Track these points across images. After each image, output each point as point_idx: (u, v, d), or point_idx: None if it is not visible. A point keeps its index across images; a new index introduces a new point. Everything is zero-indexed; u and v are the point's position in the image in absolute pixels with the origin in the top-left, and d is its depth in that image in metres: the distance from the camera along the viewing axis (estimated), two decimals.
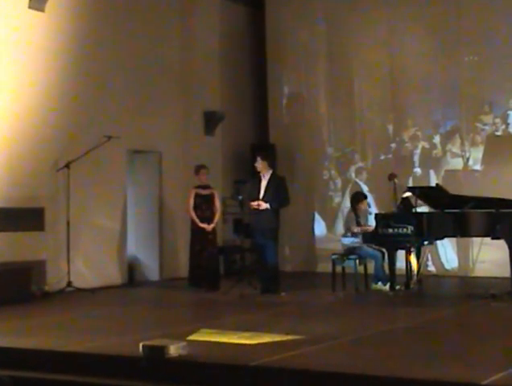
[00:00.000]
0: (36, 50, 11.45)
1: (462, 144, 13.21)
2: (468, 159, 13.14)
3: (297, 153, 14.74)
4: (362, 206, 11.37)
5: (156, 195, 13.32)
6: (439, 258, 13.15)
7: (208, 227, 11.45)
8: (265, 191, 10.82)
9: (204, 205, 11.55)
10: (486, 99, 13.04)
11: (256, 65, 15.36)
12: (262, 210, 10.70)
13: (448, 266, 13.15)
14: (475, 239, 12.13)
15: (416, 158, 13.61)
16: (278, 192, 10.80)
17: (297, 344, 6.79)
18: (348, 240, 11.14)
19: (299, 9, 14.82)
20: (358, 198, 11.53)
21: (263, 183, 10.87)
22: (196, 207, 11.50)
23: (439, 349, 6.61)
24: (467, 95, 13.16)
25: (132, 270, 12.98)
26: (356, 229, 11.06)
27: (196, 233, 11.50)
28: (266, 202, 10.72)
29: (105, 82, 12.34)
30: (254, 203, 10.75)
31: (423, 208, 11.13)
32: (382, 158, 13.96)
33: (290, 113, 15.05)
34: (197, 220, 11.42)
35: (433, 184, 12.20)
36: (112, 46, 12.50)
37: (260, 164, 10.92)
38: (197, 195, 11.56)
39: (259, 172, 10.96)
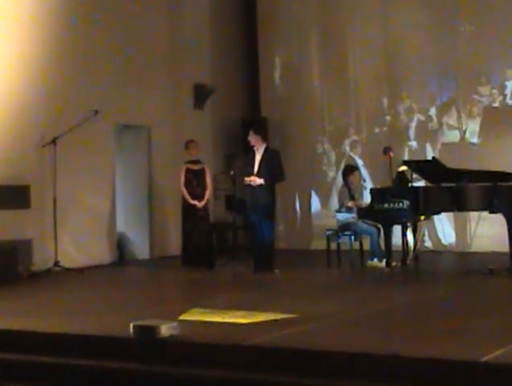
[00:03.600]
0: (21, 22, 11.27)
1: (459, 116, 13.07)
2: (464, 132, 13.02)
3: (289, 127, 14.53)
4: (354, 178, 11.26)
5: (145, 170, 13.16)
6: (436, 233, 13.06)
7: (199, 204, 11.33)
8: (259, 166, 10.62)
9: (194, 181, 11.43)
10: (483, 70, 12.90)
11: (247, 37, 15.15)
12: (257, 186, 10.49)
13: (445, 241, 13.06)
14: (472, 213, 12.04)
15: (412, 131, 13.48)
16: (273, 167, 10.59)
17: (291, 323, 6.68)
18: (343, 216, 11.02)
19: None
20: (348, 170, 11.45)
21: (257, 158, 10.67)
22: (186, 183, 11.36)
23: (436, 326, 6.51)
24: (463, 66, 13.01)
25: (121, 249, 12.84)
26: (350, 204, 10.92)
27: (188, 210, 11.38)
28: (260, 177, 10.50)
29: (91, 55, 12.15)
30: (248, 179, 10.53)
31: (420, 182, 10.99)
32: (377, 131, 13.81)
33: (282, 86, 14.89)
34: (188, 197, 11.27)
35: (429, 157, 12.05)
36: (99, 18, 12.29)
37: (253, 138, 10.71)
38: (188, 171, 11.43)
39: (253, 146, 10.72)
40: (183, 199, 11.39)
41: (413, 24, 13.38)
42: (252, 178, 10.52)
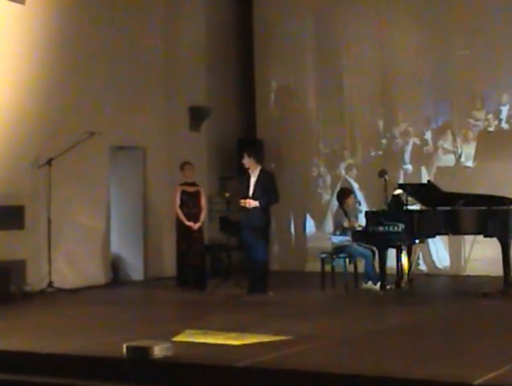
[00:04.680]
0: (16, 44, 11.26)
1: (454, 140, 13.07)
2: (460, 155, 13.01)
3: (285, 150, 14.53)
4: (350, 201, 11.26)
5: (140, 192, 13.12)
6: (431, 256, 13.01)
7: (195, 225, 11.29)
8: (254, 189, 10.64)
9: (190, 202, 11.41)
10: (478, 94, 12.91)
11: (243, 59, 15.14)
12: (251, 208, 10.49)
13: (439, 265, 13.02)
14: (467, 237, 12.04)
15: (407, 155, 13.46)
16: (267, 189, 10.60)
17: (285, 344, 6.68)
18: (338, 239, 11.03)
19: (286, 1, 14.68)
20: (344, 193, 11.45)
21: (252, 180, 10.69)
22: (182, 205, 11.35)
23: (430, 348, 6.52)
24: (459, 90, 13.03)
25: (115, 269, 12.78)
26: (345, 224, 10.91)
27: (182, 232, 11.35)
28: (255, 199, 10.51)
29: (87, 76, 12.13)
30: (243, 201, 10.54)
31: (415, 206, 10.99)
32: (373, 154, 13.79)
33: (278, 108, 14.88)
34: (184, 218, 11.25)
35: (424, 181, 12.04)
36: (94, 39, 12.28)
37: (247, 161, 10.74)
38: (183, 192, 11.41)
39: (248, 169, 10.74)
40: (178, 221, 11.35)
41: (409, 48, 13.41)
42: (247, 200, 10.54)
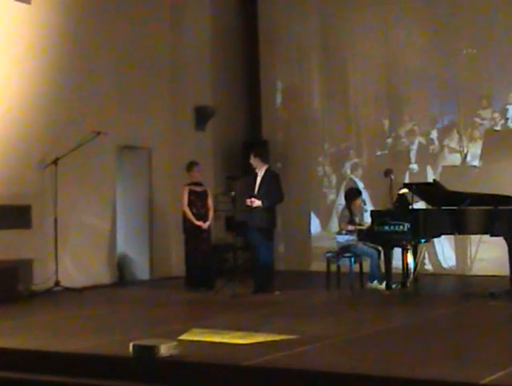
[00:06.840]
0: (23, 44, 11.28)
1: (460, 139, 13.05)
2: (466, 155, 13.00)
3: (290, 149, 14.54)
4: (357, 202, 11.26)
5: (146, 191, 13.15)
6: (437, 256, 13.00)
7: (204, 225, 11.27)
8: (258, 188, 10.66)
9: (198, 202, 11.38)
10: (484, 93, 12.91)
11: (249, 60, 15.15)
12: (256, 207, 10.50)
13: (445, 264, 13.01)
14: (473, 236, 12.01)
15: (413, 154, 13.46)
16: (272, 189, 10.61)
17: (290, 344, 6.69)
18: (343, 238, 11.01)
19: (292, 2, 14.69)
20: (353, 194, 11.41)
21: (258, 180, 10.71)
22: (190, 205, 11.31)
23: (436, 348, 6.51)
24: (465, 89, 13.02)
25: (122, 269, 12.79)
26: (350, 227, 10.90)
27: (191, 231, 11.31)
28: (259, 199, 10.52)
29: (93, 76, 12.16)
30: (248, 200, 10.55)
31: (420, 205, 10.98)
32: (378, 153, 13.80)
33: (283, 108, 14.90)
34: (193, 218, 11.22)
35: (430, 180, 12.03)
36: (100, 40, 12.32)
37: (253, 161, 10.75)
38: (192, 192, 11.37)
39: (255, 168, 10.75)
40: (186, 220, 11.31)
41: (414, 47, 13.41)
42: (253, 199, 10.54)
